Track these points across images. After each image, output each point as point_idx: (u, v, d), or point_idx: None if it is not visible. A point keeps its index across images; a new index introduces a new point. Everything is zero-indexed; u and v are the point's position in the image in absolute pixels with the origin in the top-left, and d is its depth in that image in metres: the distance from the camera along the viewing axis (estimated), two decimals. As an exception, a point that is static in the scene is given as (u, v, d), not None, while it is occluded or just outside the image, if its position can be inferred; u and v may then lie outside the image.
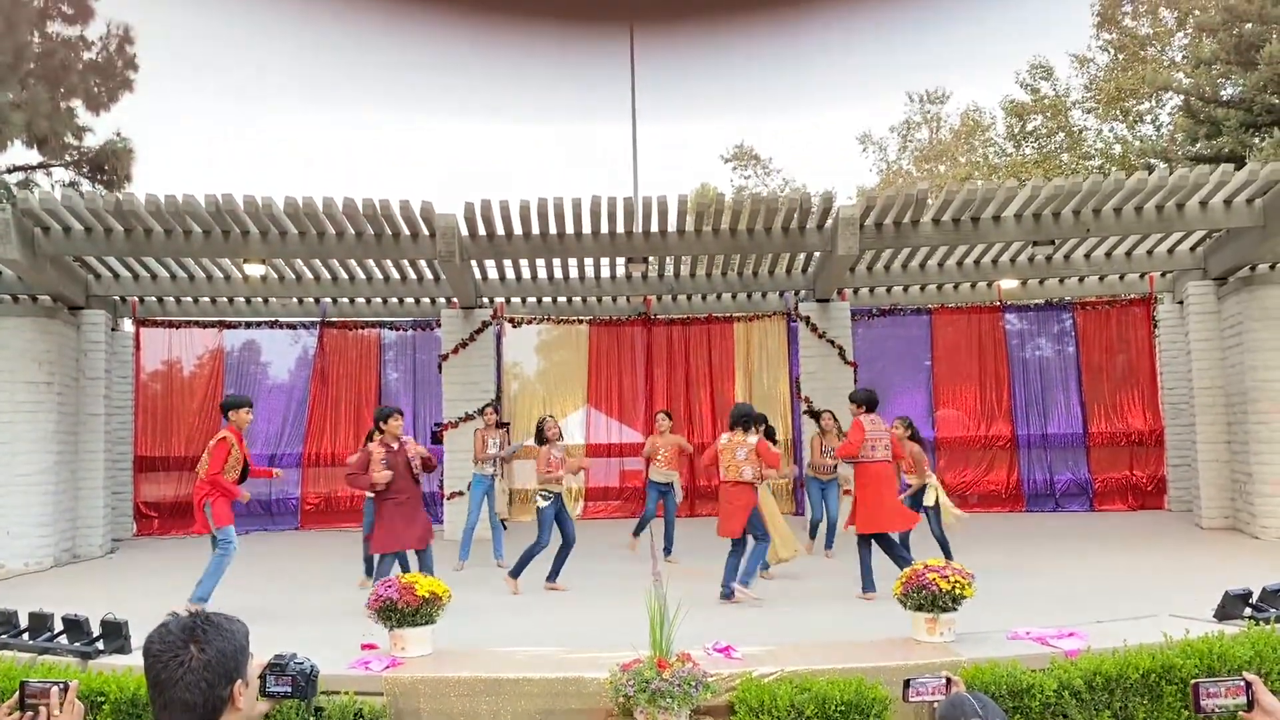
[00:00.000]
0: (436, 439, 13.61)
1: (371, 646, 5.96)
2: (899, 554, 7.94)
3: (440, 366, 13.07)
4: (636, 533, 10.39)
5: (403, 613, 5.74)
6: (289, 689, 2.35)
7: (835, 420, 10.59)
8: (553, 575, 8.64)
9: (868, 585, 7.96)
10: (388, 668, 5.52)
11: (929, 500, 8.95)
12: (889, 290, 14.19)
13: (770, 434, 9.56)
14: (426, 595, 5.79)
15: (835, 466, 10.42)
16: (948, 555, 8.59)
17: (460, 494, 12.08)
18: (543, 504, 8.49)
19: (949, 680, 3.17)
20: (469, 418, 12.27)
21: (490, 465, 10.27)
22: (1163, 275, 13.68)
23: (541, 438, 8.79)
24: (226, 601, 7.22)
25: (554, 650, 5.89)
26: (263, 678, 2.30)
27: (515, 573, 8.53)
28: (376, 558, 8.19)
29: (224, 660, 2.02)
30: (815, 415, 10.72)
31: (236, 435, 7.80)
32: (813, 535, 10.57)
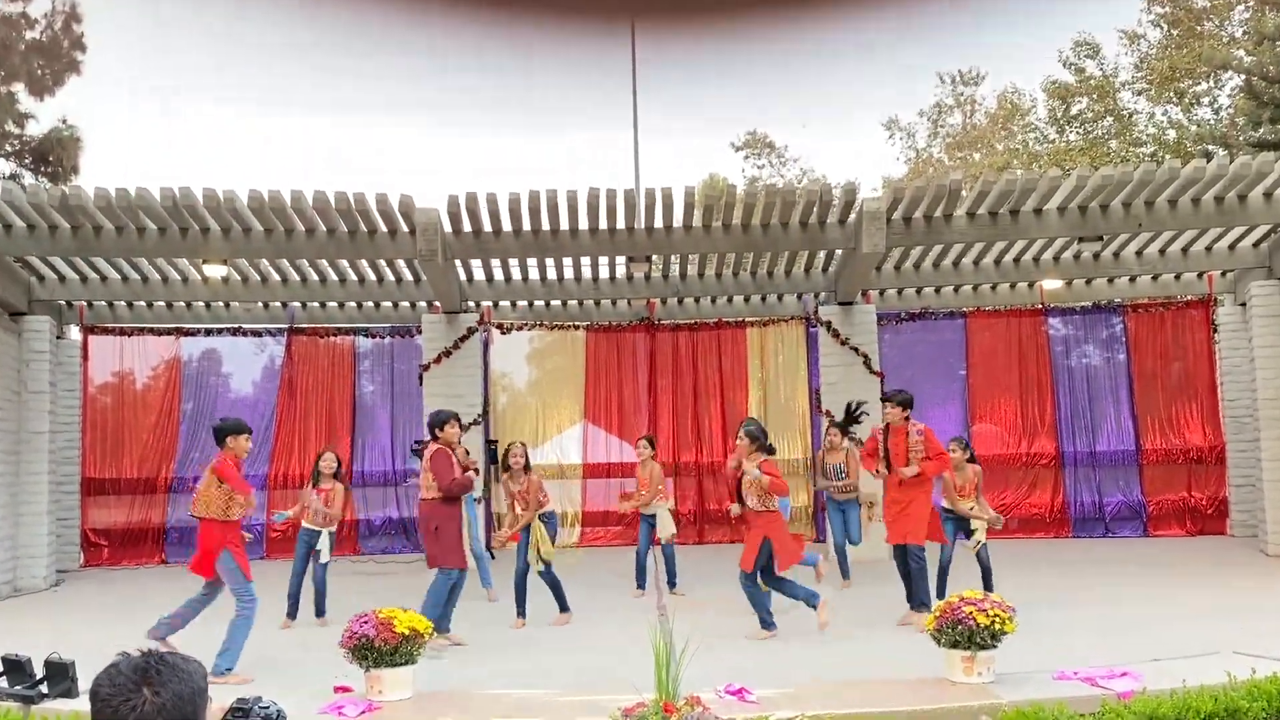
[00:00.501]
0: (417, 458, 13.60)
1: (345, 689, 5.95)
2: (912, 569, 8.14)
3: (421, 377, 13.07)
4: (640, 583, 10.33)
5: (380, 651, 5.73)
6: (253, 737, 2.34)
7: (843, 435, 10.62)
8: (562, 608, 8.87)
9: (913, 601, 8.08)
10: (363, 713, 5.50)
11: (977, 528, 8.95)
12: (919, 292, 14.18)
13: (770, 450, 9.53)
14: (407, 632, 5.78)
15: (850, 484, 10.45)
16: (988, 585, 8.58)
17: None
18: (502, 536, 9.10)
19: None
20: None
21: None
22: (1223, 274, 13.67)
23: (506, 465, 8.99)
24: (182, 638, 7.21)
25: (548, 693, 5.88)
26: (224, 723, 2.29)
27: (519, 611, 8.77)
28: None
29: (180, 704, 2.01)
30: (854, 419, 10.26)
31: (235, 464, 7.61)
32: (843, 568, 10.54)
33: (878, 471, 8.62)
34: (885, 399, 8.70)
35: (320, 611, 9.06)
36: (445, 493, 8.00)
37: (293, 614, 8.97)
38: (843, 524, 10.60)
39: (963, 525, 8.97)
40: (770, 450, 8.16)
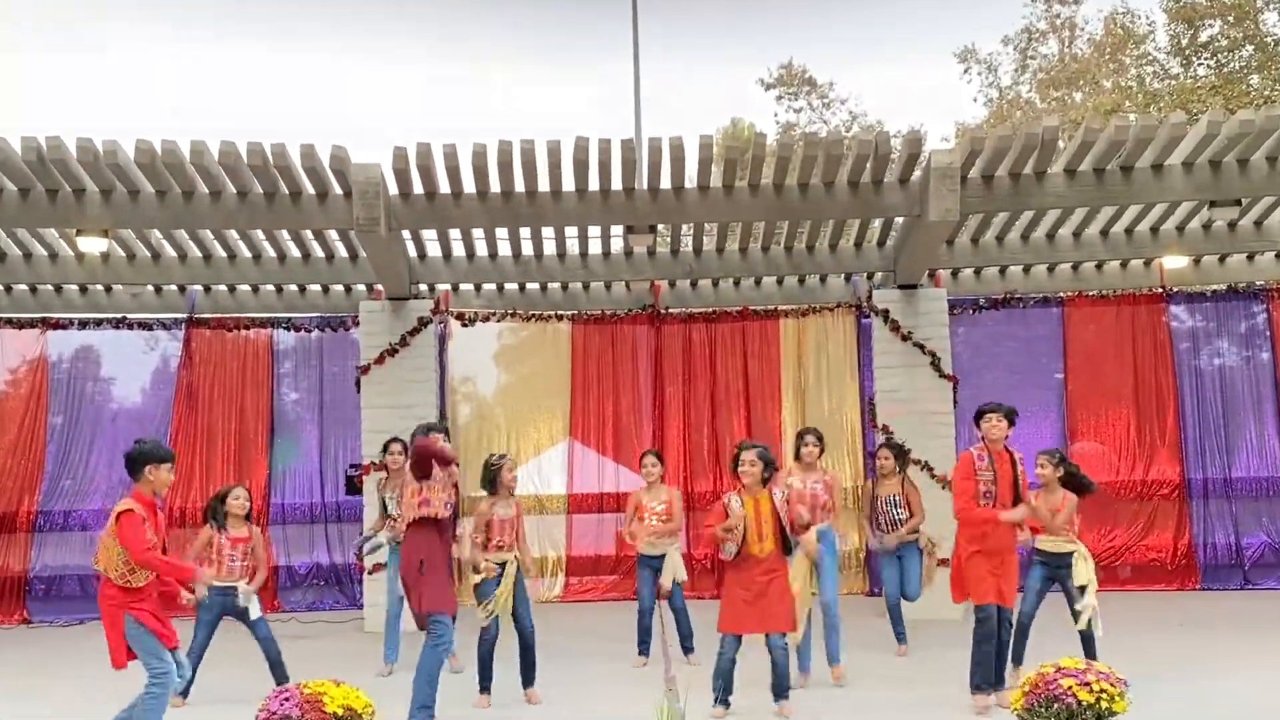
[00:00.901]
0: (353, 488, 13.59)
1: (261, 786, 5.94)
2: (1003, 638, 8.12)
3: (358, 382, 13.07)
4: (642, 649, 10.31)
5: (306, 737, 5.72)
6: None
7: (898, 456, 10.64)
8: (527, 680, 8.79)
9: (974, 680, 8.10)
10: (284, 817, 5.50)
11: (1081, 578, 8.84)
12: (1003, 272, 14.20)
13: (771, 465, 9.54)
14: (340, 712, 5.78)
15: (904, 519, 10.47)
16: (1090, 652, 8.56)
17: (383, 566, 12.05)
18: (475, 578, 8.80)
19: None
20: (381, 465, 12.18)
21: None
22: (1397, 249, 13.69)
23: (494, 484, 8.91)
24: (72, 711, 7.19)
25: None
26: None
27: (483, 686, 8.74)
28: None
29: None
30: (902, 454, 10.70)
31: (149, 506, 7.47)
32: (897, 631, 10.56)
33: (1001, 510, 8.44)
34: (985, 410, 8.57)
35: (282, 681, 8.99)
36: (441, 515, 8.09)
37: (185, 693, 8.94)
38: (898, 575, 10.59)
39: (1052, 571, 8.91)
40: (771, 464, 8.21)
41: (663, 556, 10.16)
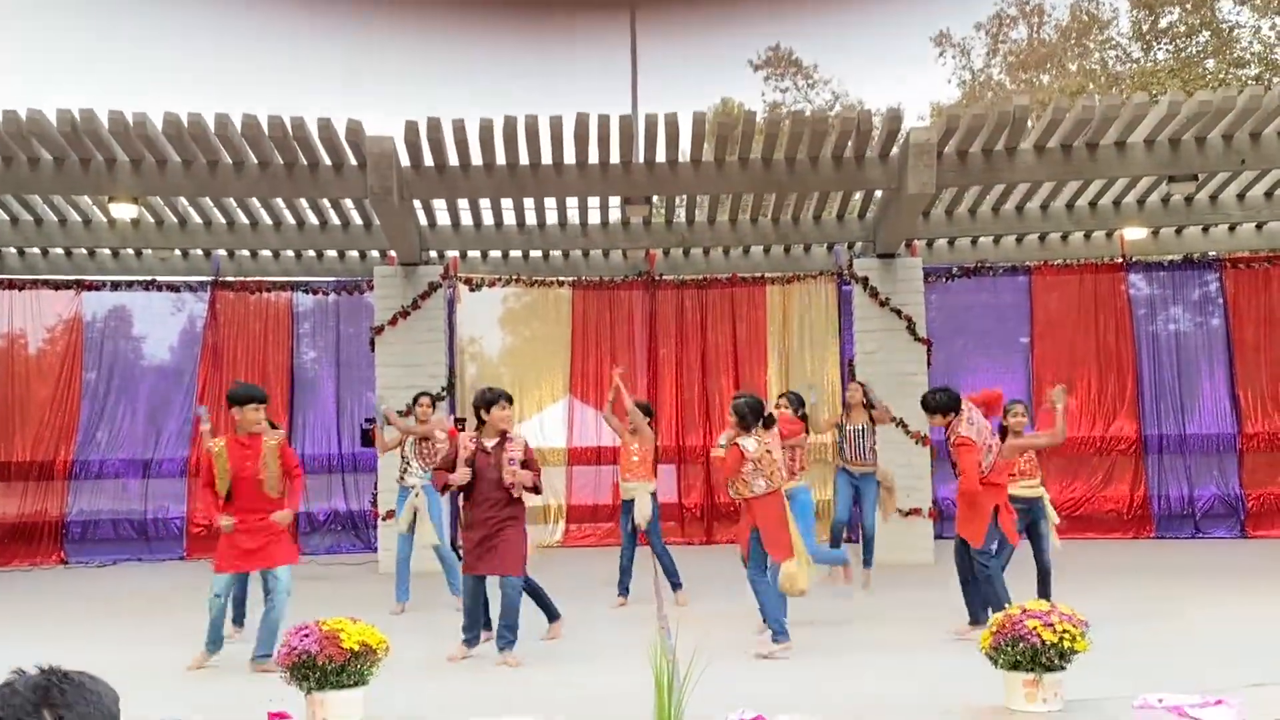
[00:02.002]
0: (368, 440, 13.57)
1: (283, 716, 5.96)
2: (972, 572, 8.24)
3: (373, 343, 13.06)
4: (622, 590, 10.34)
5: (324, 670, 5.73)
6: (171, 774, 2.32)
7: (866, 394, 10.82)
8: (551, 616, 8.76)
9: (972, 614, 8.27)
10: (304, 744, 5.51)
11: (1053, 518, 9.05)
12: (974, 242, 14.18)
13: (769, 422, 9.56)
14: (356, 647, 5.78)
15: (872, 454, 10.59)
16: (1044, 591, 8.61)
17: (394, 514, 12.09)
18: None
19: None
20: (409, 411, 12.24)
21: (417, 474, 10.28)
22: (1342, 223, 13.67)
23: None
24: (85, 656, 7.21)
25: (526, 722, 5.88)
26: (137, 759, 2.28)
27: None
28: None
29: (88, 732, 2.00)
30: (870, 405, 10.84)
31: (236, 442, 7.74)
32: (835, 543, 10.64)
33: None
34: (923, 406, 8.65)
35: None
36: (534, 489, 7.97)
37: (238, 620, 8.97)
38: (850, 501, 10.72)
39: (1024, 515, 8.96)
40: (769, 422, 8.21)
41: (632, 499, 10.19)
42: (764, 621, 8.03)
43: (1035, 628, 5.79)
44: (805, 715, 5.87)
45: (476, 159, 10.87)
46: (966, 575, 8.44)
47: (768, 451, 8.06)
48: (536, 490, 8.06)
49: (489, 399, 8.11)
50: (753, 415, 8.13)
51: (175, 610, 10.31)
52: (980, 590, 8.34)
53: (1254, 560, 12.12)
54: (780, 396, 9.97)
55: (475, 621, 8.12)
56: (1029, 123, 10.63)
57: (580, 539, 14.23)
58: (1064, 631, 5.79)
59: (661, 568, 10.31)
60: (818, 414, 10.98)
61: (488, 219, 13.22)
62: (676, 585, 10.24)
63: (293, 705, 6.01)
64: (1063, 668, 5.84)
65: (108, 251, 13.86)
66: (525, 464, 7.97)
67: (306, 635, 5.82)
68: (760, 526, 7.98)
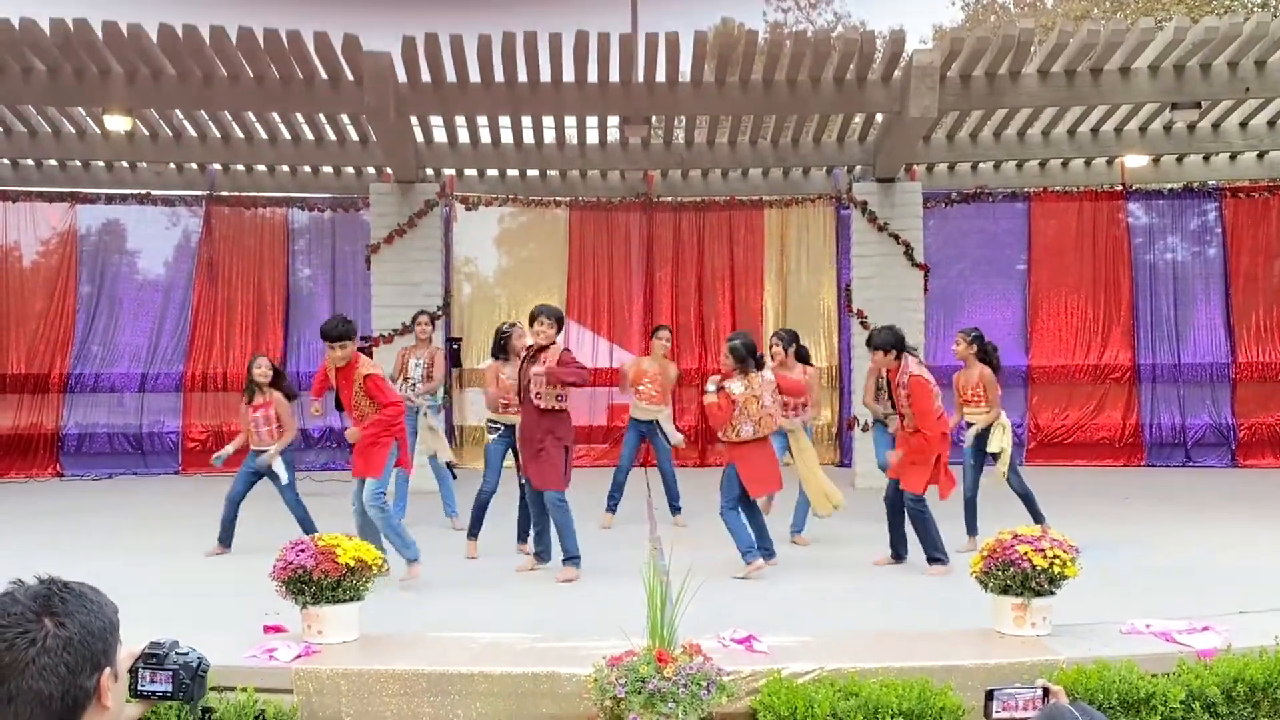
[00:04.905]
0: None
1: (278, 629, 5.99)
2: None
3: (368, 260, 13.01)
4: (611, 506, 10.38)
5: (320, 585, 5.75)
6: (168, 688, 2.32)
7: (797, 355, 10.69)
8: (523, 535, 8.88)
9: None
10: (299, 657, 5.55)
11: (994, 445, 8.95)
12: (974, 168, 14.11)
13: (803, 355, 9.59)
14: (351, 562, 5.80)
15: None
16: (1036, 515, 8.67)
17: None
18: (489, 437, 9.09)
19: (1046, 690, 3.16)
20: (406, 329, 12.24)
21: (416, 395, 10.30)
22: (1345, 153, 13.61)
23: (504, 350, 8.83)
24: (79, 572, 7.25)
25: (520, 638, 5.93)
26: (134, 672, 2.28)
27: (472, 532, 8.83)
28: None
29: (89, 640, 2.00)
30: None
31: (322, 371, 8.54)
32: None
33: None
34: (868, 343, 8.57)
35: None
36: (579, 382, 8.02)
37: (225, 540, 9.06)
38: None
39: (981, 444, 8.98)
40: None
41: (651, 422, 10.23)
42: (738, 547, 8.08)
43: (1026, 553, 5.82)
44: (793, 634, 5.93)
45: (474, 75, 10.76)
46: (896, 516, 8.41)
47: (754, 397, 8.07)
48: (577, 384, 8.05)
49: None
50: (750, 356, 8.14)
51: (167, 523, 10.38)
52: (903, 528, 8.36)
53: (1244, 489, 12.20)
54: (772, 335, 9.80)
55: (540, 533, 8.33)
56: (1032, 47, 10.53)
57: (577, 460, 14.19)
58: (1054, 557, 5.81)
59: (665, 490, 10.37)
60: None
61: (485, 137, 13.12)
62: (677, 509, 10.30)
63: (289, 619, 6.06)
64: (1052, 593, 5.87)
65: (101, 164, 13.77)
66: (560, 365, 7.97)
67: (302, 550, 5.84)
68: (739, 466, 8.01)
